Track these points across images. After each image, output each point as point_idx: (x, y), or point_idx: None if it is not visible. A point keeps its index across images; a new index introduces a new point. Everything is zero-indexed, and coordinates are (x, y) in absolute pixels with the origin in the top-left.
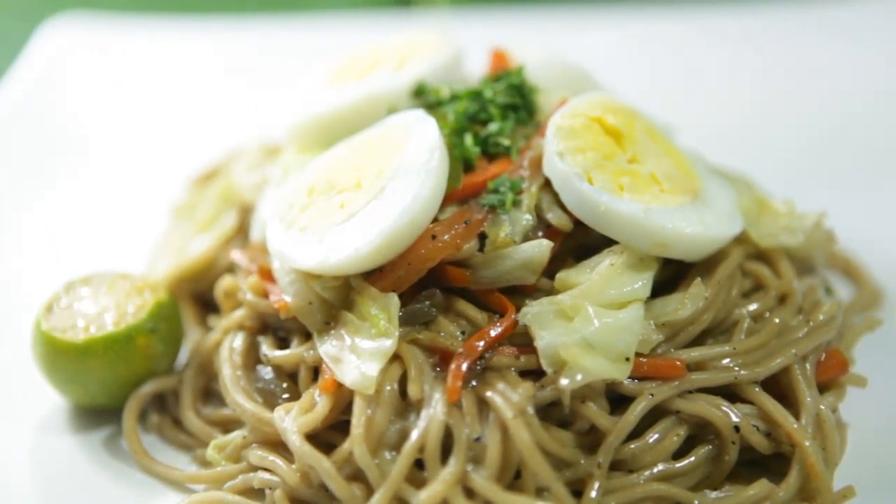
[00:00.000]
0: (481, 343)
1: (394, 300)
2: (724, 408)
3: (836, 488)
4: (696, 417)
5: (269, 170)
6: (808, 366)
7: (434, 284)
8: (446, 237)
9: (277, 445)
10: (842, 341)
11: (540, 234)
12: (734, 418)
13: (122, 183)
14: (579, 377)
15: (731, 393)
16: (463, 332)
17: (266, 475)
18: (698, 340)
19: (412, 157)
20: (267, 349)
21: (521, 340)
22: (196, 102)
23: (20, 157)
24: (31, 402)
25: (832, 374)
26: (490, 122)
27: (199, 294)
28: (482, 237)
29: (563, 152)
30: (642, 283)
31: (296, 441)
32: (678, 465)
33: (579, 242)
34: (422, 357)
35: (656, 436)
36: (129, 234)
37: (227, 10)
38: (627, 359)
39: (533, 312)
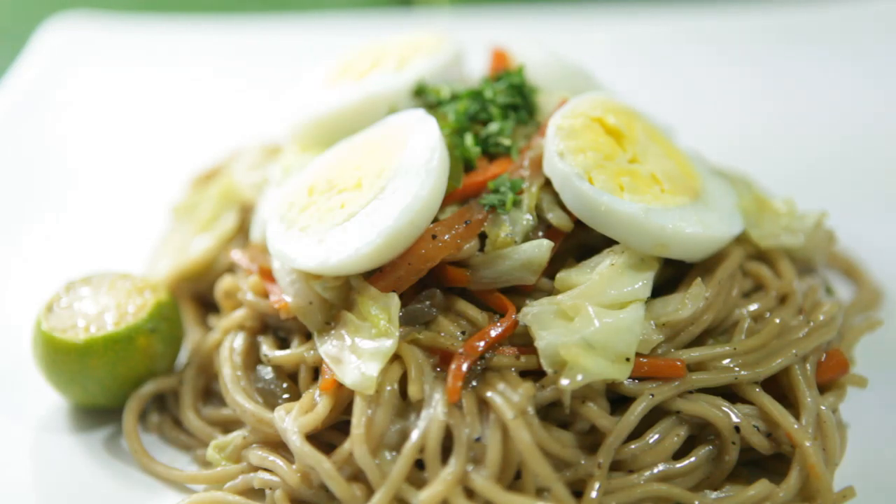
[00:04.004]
0: (481, 343)
1: (394, 300)
2: (724, 408)
3: (837, 488)
4: (697, 418)
5: (270, 170)
6: (808, 366)
7: (434, 284)
8: (446, 237)
9: (278, 446)
10: (842, 341)
11: (540, 234)
12: (734, 419)
13: (122, 182)
14: (579, 377)
15: (731, 393)
16: (463, 333)
17: (266, 475)
18: (699, 340)
19: (412, 157)
20: (267, 349)
21: (522, 340)
22: (196, 102)
23: (20, 157)
24: (31, 402)
25: (832, 375)
26: (490, 122)
27: (199, 294)
28: (482, 237)
29: (564, 152)
30: (643, 284)
31: (296, 441)
32: (678, 465)
33: (580, 242)
34: (422, 357)
35: (656, 436)
36: (129, 234)
37: (226, 10)
38: (628, 359)
39: (533, 312)
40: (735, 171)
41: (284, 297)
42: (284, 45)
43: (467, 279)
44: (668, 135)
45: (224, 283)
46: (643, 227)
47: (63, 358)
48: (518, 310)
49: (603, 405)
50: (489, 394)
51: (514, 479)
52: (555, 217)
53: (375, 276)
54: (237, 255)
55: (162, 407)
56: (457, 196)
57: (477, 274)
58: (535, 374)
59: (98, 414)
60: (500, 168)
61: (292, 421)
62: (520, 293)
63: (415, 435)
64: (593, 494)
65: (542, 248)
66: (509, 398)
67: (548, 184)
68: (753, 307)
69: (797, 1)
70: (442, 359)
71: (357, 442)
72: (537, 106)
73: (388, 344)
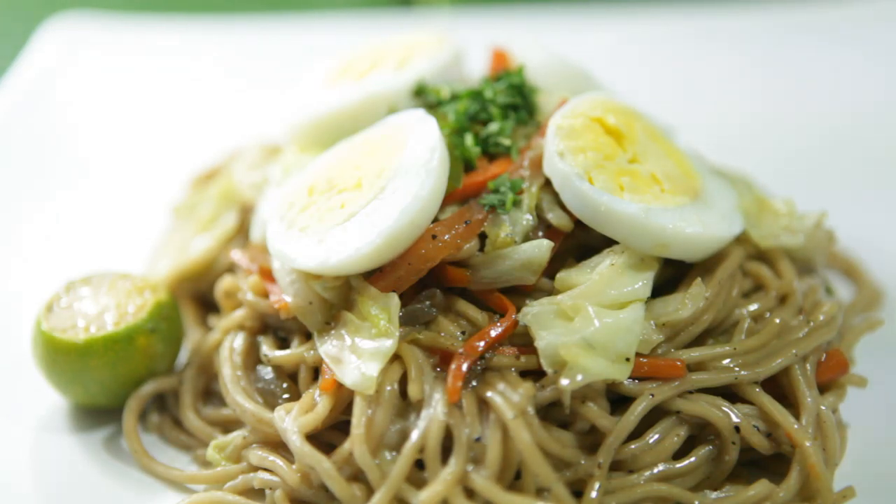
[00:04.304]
0: (482, 343)
1: (394, 300)
2: (724, 408)
3: (837, 488)
4: (697, 418)
5: (270, 170)
6: (808, 366)
7: (434, 284)
8: (446, 237)
9: (278, 446)
10: (842, 341)
11: (540, 234)
12: (734, 419)
13: (122, 183)
14: (579, 377)
15: (731, 393)
16: (463, 333)
17: (266, 475)
18: (699, 340)
19: (412, 157)
20: (267, 349)
21: (522, 340)
22: (196, 102)
23: (20, 157)
24: (31, 402)
25: (832, 375)
26: (490, 122)
27: (199, 294)
28: (482, 237)
29: (564, 152)
30: (643, 284)
31: (296, 441)
32: (678, 465)
33: (580, 242)
34: (422, 357)
35: (657, 436)
36: (129, 234)
37: (227, 10)
38: (628, 359)
39: (533, 312)
40: (735, 171)
41: (284, 297)
42: (284, 45)
43: (467, 279)
44: (668, 135)
45: (224, 283)
46: (643, 227)
47: (63, 358)
48: (518, 310)
49: (603, 405)
50: (489, 394)
51: (514, 479)
52: (555, 217)
53: (375, 276)
54: (237, 255)
55: (162, 407)
56: (457, 196)
57: (477, 274)
58: (535, 374)
59: (98, 414)
60: (500, 168)
61: (292, 421)
62: (520, 293)
63: (415, 435)
64: (593, 494)
65: (542, 248)
66: (509, 398)
67: (548, 184)
68: (753, 307)
69: (798, 1)
70: (442, 359)
71: (357, 442)
72: (537, 106)
73: (388, 344)
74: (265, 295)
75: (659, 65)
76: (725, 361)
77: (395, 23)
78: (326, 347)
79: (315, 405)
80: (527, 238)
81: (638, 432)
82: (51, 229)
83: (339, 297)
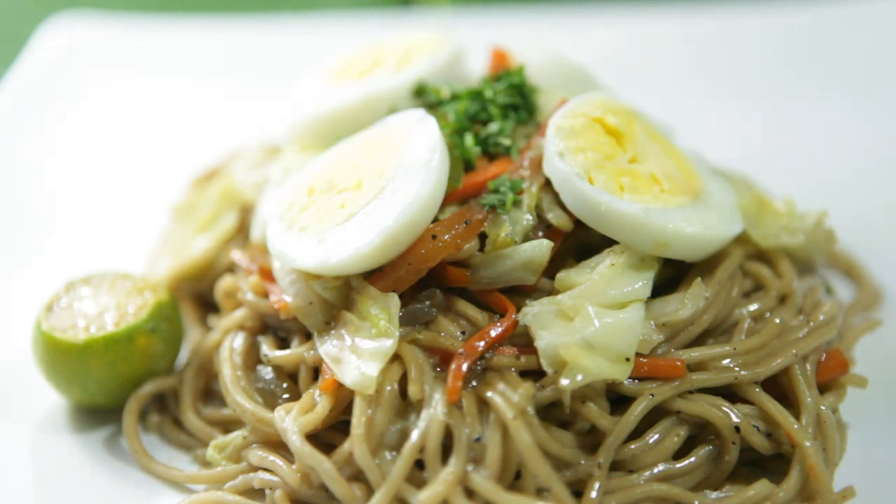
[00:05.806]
0: (482, 343)
1: (394, 300)
2: (724, 408)
3: (837, 488)
4: (697, 418)
5: (270, 170)
6: (808, 366)
7: (434, 284)
8: (446, 237)
9: (278, 446)
10: (842, 341)
11: (540, 234)
12: (734, 419)
13: (122, 183)
14: (579, 377)
15: (731, 393)
16: (463, 333)
17: (266, 475)
18: (699, 340)
19: (412, 157)
20: (267, 349)
21: (522, 340)
22: (196, 102)
23: (20, 157)
24: (31, 402)
25: (832, 375)
26: (490, 122)
27: (199, 294)
28: (482, 237)
29: (564, 152)
30: (643, 284)
31: (296, 441)
32: (678, 465)
33: (580, 242)
34: (422, 357)
35: (657, 436)
36: (129, 234)
37: (227, 10)
38: (628, 359)
39: (533, 312)
40: (735, 171)
41: (284, 297)
42: (284, 45)
43: (467, 279)
44: (668, 135)
45: (224, 283)
46: (643, 226)
47: (63, 358)
48: (518, 310)
49: (603, 405)
50: (489, 394)
51: (514, 479)
52: (555, 217)
53: (375, 276)
54: (237, 255)
55: (162, 407)
56: (457, 196)
57: (477, 274)
58: (535, 374)
59: (98, 414)
60: (500, 168)
61: (292, 421)
62: (520, 293)
63: (415, 435)
64: (593, 494)
65: (542, 248)
66: (509, 398)
67: (548, 184)
68: (753, 307)
69: (798, 1)
70: (442, 359)
71: (357, 442)
72: (537, 106)
73: (388, 344)
74: (265, 295)
75: (659, 65)
76: (725, 361)
77: (395, 23)
78: (326, 347)
79: (315, 405)
80: (527, 238)
81: (638, 432)
82: (51, 229)
83: (339, 297)
